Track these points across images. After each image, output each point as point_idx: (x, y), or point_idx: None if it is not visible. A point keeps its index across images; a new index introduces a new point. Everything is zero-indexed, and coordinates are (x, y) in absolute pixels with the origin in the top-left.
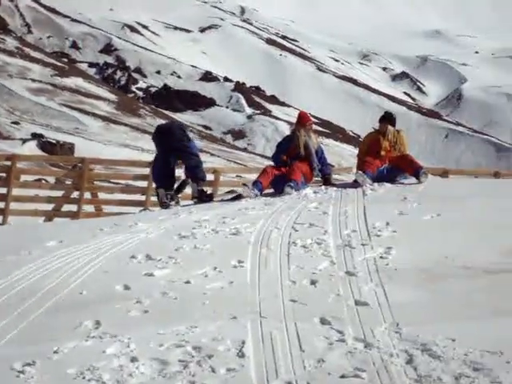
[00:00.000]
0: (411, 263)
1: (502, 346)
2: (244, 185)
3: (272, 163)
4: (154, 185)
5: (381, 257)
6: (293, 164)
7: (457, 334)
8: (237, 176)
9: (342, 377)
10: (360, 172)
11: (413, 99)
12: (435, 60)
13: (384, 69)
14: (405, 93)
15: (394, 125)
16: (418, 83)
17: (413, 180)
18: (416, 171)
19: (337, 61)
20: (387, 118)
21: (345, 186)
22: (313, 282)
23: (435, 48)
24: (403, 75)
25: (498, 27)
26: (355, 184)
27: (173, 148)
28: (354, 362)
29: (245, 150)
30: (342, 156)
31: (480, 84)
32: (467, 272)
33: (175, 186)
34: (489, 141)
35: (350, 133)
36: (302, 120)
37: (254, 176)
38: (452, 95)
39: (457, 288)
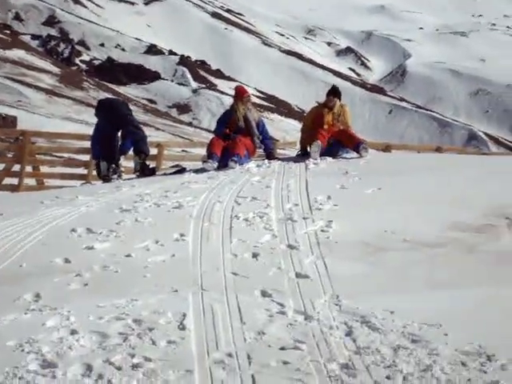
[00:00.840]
0: (352, 236)
1: (440, 318)
2: (204, 161)
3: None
4: (92, 158)
5: (322, 230)
6: (235, 138)
7: (395, 307)
8: (182, 150)
9: (282, 349)
10: (318, 142)
11: (357, 74)
12: (380, 35)
13: (329, 44)
14: (349, 68)
15: (340, 99)
16: (363, 58)
17: (355, 155)
18: (356, 145)
19: (282, 35)
20: (335, 92)
21: (290, 159)
22: (254, 255)
23: (380, 23)
24: (348, 50)
25: (442, 3)
26: (300, 158)
27: (117, 122)
28: (294, 334)
29: (190, 124)
30: (286, 131)
31: (424, 60)
32: (406, 245)
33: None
34: (432, 116)
35: (295, 107)
36: (239, 94)
37: (198, 150)
38: (396, 71)
39: (396, 261)
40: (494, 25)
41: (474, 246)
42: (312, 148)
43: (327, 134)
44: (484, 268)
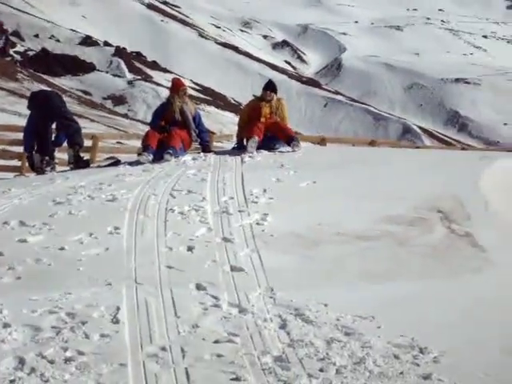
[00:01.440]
0: (286, 229)
1: (373, 310)
2: (139, 154)
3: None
4: (24, 150)
5: (257, 223)
6: (171, 130)
7: (329, 299)
8: (117, 142)
9: (216, 342)
10: (256, 138)
11: (293, 68)
12: (315, 29)
13: (265, 37)
14: (286, 61)
15: (276, 93)
16: (299, 52)
17: (289, 148)
18: (289, 140)
19: (218, 27)
20: (272, 87)
21: (226, 153)
22: (189, 249)
23: (316, 17)
24: (284, 44)
25: None
26: (237, 151)
27: (51, 114)
28: (228, 327)
29: (125, 115)
30: (222, 123)
31: (359, 53)
32: (340, 238)
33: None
34: (367, 110)
35: (232, 100)
36: (176, 86)
37: (134, 142)
38: (332, 64)
39: (329, 254)
40: (428, 19)
41: (406, 239)
42: (249, 143)
43: (263, 127)
44: (416, 261)
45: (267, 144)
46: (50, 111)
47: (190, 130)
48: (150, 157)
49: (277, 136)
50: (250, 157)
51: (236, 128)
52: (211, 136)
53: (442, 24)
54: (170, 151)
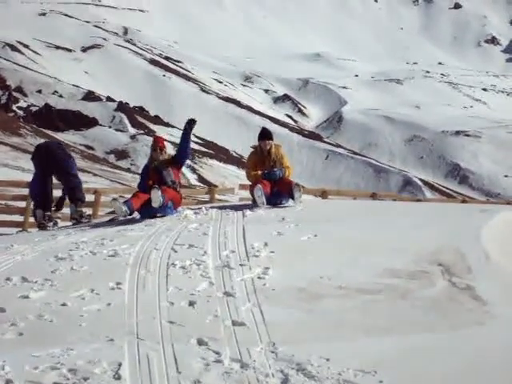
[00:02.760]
0: (288, 283)
1: (375, 364)
2: (114, 199)
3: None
4: (32, 205)
5: (258, 277)
6: (162, 188)
7: (331, 354)
8: (120, 196)
9: None
10: (259, 186)
11: (294, 121)
12: (316, 83)
13: (266, 91)
14: (287, 115)
15: (272, 139)
16: (300, 105)
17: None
18: (290, 189)
19: (220, 82)
20: (268, 134)
21: (228, 206)
22: (191, 303)
23: (316, 71)
24: (285, 97)
25: (377, 51)
26: (249, 204)
27: (51, 168)
28: (230, 383)
29: (128, 170)
30: (225, 176)
31: (359, 106)
32: (341, 292)
33: (54, 204)
34: (368, 162)
35: (234, 153)
36: (153, 144)
37: None
38: (332, 117)
39: (331, 308)
40: (428, 72)
41: (407, 292)
42: (255, 194)
43: (269, 184)
44: (418, 314)
45: (274, 201)
46: (51, 165)
47: (166, 183)
48: (124, 208)
49: (283, 191)
50: (251, 210)
51: (238, 182)
52: (192, 154)
53: (442, 77)
54: (156, 186)
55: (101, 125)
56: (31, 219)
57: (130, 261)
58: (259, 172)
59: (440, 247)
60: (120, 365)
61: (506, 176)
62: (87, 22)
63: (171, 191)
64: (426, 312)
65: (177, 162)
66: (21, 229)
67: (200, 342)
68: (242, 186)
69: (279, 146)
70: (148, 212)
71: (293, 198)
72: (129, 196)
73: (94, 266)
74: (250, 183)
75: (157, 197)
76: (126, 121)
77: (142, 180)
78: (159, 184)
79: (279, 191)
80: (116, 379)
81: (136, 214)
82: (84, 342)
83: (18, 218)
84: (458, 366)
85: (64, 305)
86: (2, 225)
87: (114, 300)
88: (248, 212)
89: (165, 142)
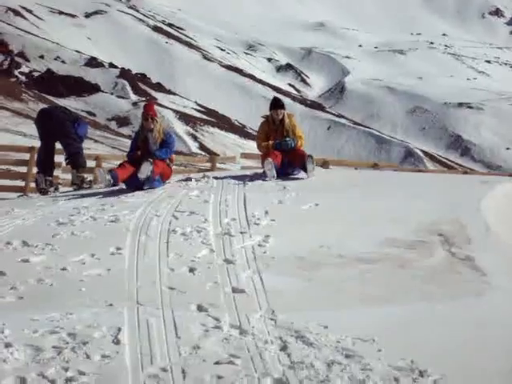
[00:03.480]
0: (288, 252)
1: (374, 333)
2: (98, 167)
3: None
4: (35, 170)
5: (259, 245)
6: (153, 161)
7: (329, 322)
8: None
9: (217, 363)
10: (269, 160)
11: (297, 91)
12: (319, 52)
13: (269, 60)
14: (289, 84)
15: (284, 108)
16: (303, 75)
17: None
18: (302, 162)
19: (222, 50)
20: (280, 104)
21: (236, 175)
22: (191, 270)
23: (319, 40)
24: (288, 67)
25: (381, 21)
26: (261, 175)
27: (53, 133)
28: (229, 349)
29: (129, 137)
30: (226, 145)
31: (362, 77)
32: (341, 261)
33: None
34: (370, 133)
35: (236, 122)
36: (144, 111)
37: None
38: (335, 87)
39: (330, 276)
40: (432, 43)
41: (406, 262)
42: (265, 167)
43: (280, 155)
44: (417, 284)
45: (285, 171)
46: (51, 129)
47: (154, 155)
48: (108, 178)
49: (294, 162)
50: (252, 179)
51: (241, 150)
52: (172, 158)
53: (446, 49)
54: (150, 160)
55: (103, 91)
56: (33, 184)
57: (131, 227)
58: (270, 142)
59: (440, 218)
60: (119, 329)
61: (507, 148)
62: None
63: (161, 164)
64: (425, 282)
65: (154, 154)
66: (22, 193)
67: (200, 308)
68: (244, 155)
69: (291, 115)
70: (134, 183)
71: (305, 170)
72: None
73: (94, 231)
74: (261, 153)
75: (145, 169)
76: (128, 88)
77: (131, 149)
78: (148, 154)
79: (291, 162)
80: (115, 344)
81: (122, 185)
82: (84, 306)
83: (20, 182)
84: (457, 336)
85: (64, 269)
86: (3, 189)
87: (115, 265)
88: (249, 181)
89: (156, 110)
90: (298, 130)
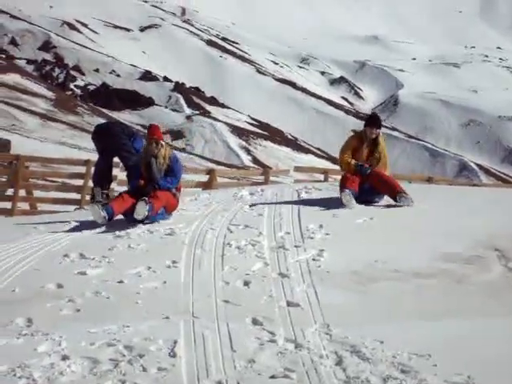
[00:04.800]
0: (343, 266)
1: (430, 348)
2: (91, 200)
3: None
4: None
5: (313, 259)
6: (155, 193)
7: (385, 336)
8: None
9: (272, 377)
10: (347, 190)
11: (350, 104)
12: (372, 65)
13: (322, 73)
14: (342, 97)
15: (381, 128)
16: (356, 88)
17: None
18: (393, 193)
19: (276, 64)
20: (378, 122)
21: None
22: (246, 283)
23: (373, 53)
24: (341, 80)
25: (434, 34)
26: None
27: (110, 147)
28: (284, 363)
29: (183, 149)
30: (279, 158)
31: (416, 90)
32: (396, 275)
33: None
34: (424, 146)
35: (288, 135)
36: (148, 135)
37: (192, 177)
38: (389, 100)
39: (386, 291)
40: (486, 56)
41: (463, 276)
42: (343, 198)
43: (358, 179)
44: (474, 299)
45: (365, 197)
46: (108, 144)
47: (157, 184)
48: (103, 214)
49: (377, 188)
50: (306, 192)
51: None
52: (179, 187)
53: (500, 62)
54: (145, 199)
55: (157, 104)
56: (88, 197)
57: (187, 240)
58: (353, 161)
59: (496, 232)
60: (175, 342)
61: None
62: (145, 1)
63: (165, 196)
64: (481, 297)
65: (157, 183)
66: (78, 206)
67: (255, 322)
68: (297, 168)
69: (383, 135)
70: (132, 218)
71: (394, 199)
72: (186, 176)
73: (150, 244)
74: (341, 169)
75: (141, 210)
76: (182, 101)
77: (134, 177)
78: (151, 182)
79: (372, 187)
80: (171, 357)
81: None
82: (140, 319)
83: (75, 195)
84: None
85: (121, 282)
86: (58, 202)
87: (170, 278)
88: (303, 194)
89: (161, 133)
90: (384, 155)
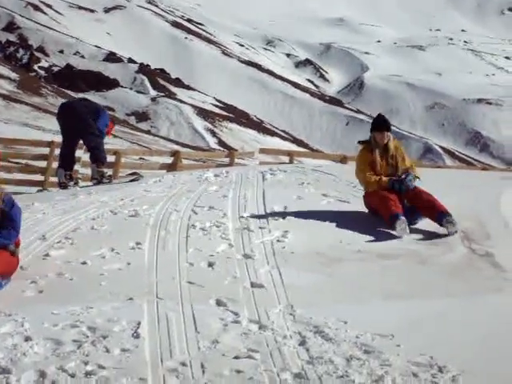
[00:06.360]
0: (307, 247)
1: (393, 329)
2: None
3: None
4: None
5: (278, 240)
6: None
7: (349, 317)
8: (140, 158)
9: (236, 358)
10: (402, 217)
11: (316, 86)
12: (338, 48)
13: (288, 55)
14: (308, 80)
15: (390, 131)
16: (321, 70)
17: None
18: (438, 216)
19: (242, 46)
20: (386, 125)
21: (254, 170)
22: (210, 265)
23: (339, 36)
24: (307, 62)
25: (400, 17)
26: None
27: (74, 128)
28: (247, 343)
29: (148, 132)
30: (244, 141)
31: (381, 73)
32: (361, 256)
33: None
34: None
35: (254, 118)
36: None
37: (156, 159)
38: (354, 83)
39: (350, 271)
40: (451, 39)
41: (428, 258)
42: (398, 226)
43: (397, 199)
44: (437, 279)
45: (407, 219)
46: (72, 124)
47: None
48: None
49: (418, 209)
50: (271, 174)
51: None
52: (18, 242)
53: (465, 45)
54: None
55: (122, 86)
56: (52, 178)
57: (151, 221)
58: (383, 178)
59: (460, 214)
60: (139, 324)
61: None
62: None
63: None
64: (444, 278)
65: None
66: (41, 188)
67: (219, 303)
68: (262, 150)
69: (394, 138)
70: None
71: (440, 223)
72: (150, 158)
73: (114, 226)
74: (365, 190)
75: None
76: (147, 83)
77: None
78: None
79: (413, 207)
80: (135, 338)
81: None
82: (104, 300)
83: (39, 177)
84: (476, 332)
85: (84, 263)
86: (21, 183)
87: (134, 260)
88: (268, 175)
89: None
90: (408, 160)
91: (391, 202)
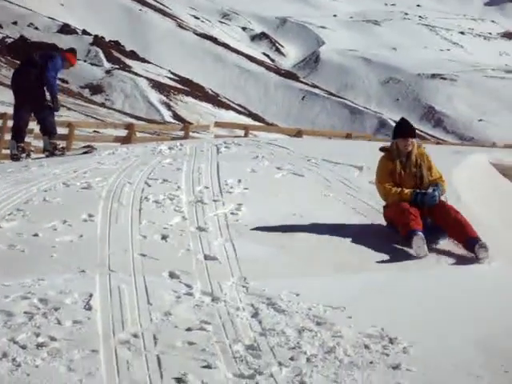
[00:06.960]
0: (261, 220)
1: (345, 301)
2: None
3: None
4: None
5: (231, 213)
6: None
7: (301, 289)
8: (93, 131)
9: (188, 329)
10: (420, 233)
11: (271, 60)
12: (294, 22)
13: (244, 28)
14: (264, 53)
15: (415, 136)
16: (277, 44)
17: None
18: (469, 242)
19: (197, 18)
20: (411, 131)
21: (209, 143)
22: (163, 237)
23: (295, 10)
24: (262, 36)
25: None
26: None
27: (25, 99)
28: (200, 315)
29: (102, 104)
30: (200, 114)
31: (337, 47)
32: (314, 229)
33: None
34: (344, 103)
35: (209, 91)
36: None
37: (110, 131)
38: (309, 57)
39: (303, 244)
40: (406, 14)
41: (380, 230)
42: (415, 244)
43: (419, 214)
44: (389, 252)
45: (426, 236)
46: (23, 94)
47: None
48: None
49: (444, 228)
50: (225, 147)
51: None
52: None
53: (420, 19)
54: None
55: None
56: (4, 151)
57: (103, 193)
58: (405, 190)
59: None
60: (91, 296)
61: (480, 120)
62: None
63: None
64: (396, 250)
65: None
66: None
67: (172, 275)
68: (217, 124)
69: (421, 144)
70: None
71: (470, 250)
72: (104, 131)
73: (66, 198)
74: (385, 201)
75: None
76: (102, 55)
77: None
78: None
79: (437, 225)
80: (87, 310)
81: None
82: (55, 272)
83: None
84: (427, 304)
85: (36, 235)
86: None
87: (87, 232)
88: (223, 148)
89: None
90: (436, 171)
91: (411, 216)
